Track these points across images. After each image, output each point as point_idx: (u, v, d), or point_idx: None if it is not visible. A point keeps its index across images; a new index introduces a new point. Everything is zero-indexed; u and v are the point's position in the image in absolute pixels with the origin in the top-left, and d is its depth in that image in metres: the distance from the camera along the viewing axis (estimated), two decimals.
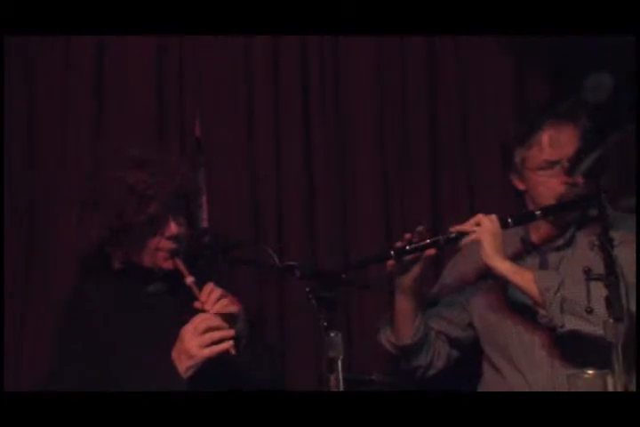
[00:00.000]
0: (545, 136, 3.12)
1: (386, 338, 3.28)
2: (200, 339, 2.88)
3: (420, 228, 3.11)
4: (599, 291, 2.57)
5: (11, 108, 3.70)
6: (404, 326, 3.23)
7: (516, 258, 3.18)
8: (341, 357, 2.70)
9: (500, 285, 3.17)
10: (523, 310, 3.14)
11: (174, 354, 2.90)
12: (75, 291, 3.17)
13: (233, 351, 2.89)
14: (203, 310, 2.95)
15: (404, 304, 3.22)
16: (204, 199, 3.62)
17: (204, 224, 3.62)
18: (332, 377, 2.71)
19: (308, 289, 2.81)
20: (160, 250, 3.04)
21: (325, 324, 2.75)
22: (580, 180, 3.07)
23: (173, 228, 3.02)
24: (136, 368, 2.93)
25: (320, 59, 3.82)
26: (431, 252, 3.13)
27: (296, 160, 3.71)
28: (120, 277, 3.12)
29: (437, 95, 3.84)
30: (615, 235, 2.62)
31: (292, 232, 3.67)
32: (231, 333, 2.89)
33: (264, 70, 3.76)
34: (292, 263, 2.99)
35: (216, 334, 2.88)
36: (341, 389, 2.70)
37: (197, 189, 3.36)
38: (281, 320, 3.65)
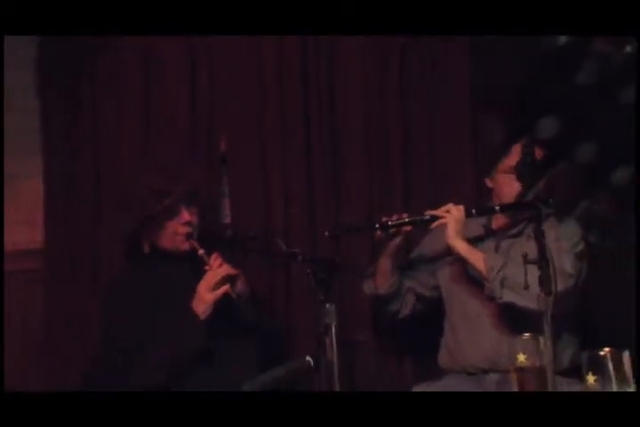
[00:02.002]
0: (515, 149, 3.16)
1: (367, 286, 3.38)
2: (206, 286, 3.05)
3: (404, 215, 3.22)
4: (535, 272, 2.64)
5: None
6: (383, 280, 3.34)
7: (477, 240, 3.28)
8: (335, 323, 2.76)
9: (462, 261, 3.24)
10: (478, 283, 3.19)
11: (193, 303, 3.06)
12: (113, 279, 3.30)
13: (234, 295, 3.07)
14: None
15: (384, 265, 3.32)
16: (227, 201, 3.68)
17: (227, 220, 3.67)
18: (328, 339, 2.77)
19: (308, 271, 2.89)
20: (178, 234, 3.15)
21: (322, 297, 2.82)
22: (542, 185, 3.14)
23: (186, 215, 3.13)
24: (169, 316, 3.06)
25: (321, 71, 3.78)
26: (408, 228, 3.24)
27: (299, 169, 3.73)
28: (149, 259, 3.22)
29: (408, 98, 3.80)
30: (552, 232, 2.71)
31: (295, 227, 3.70)
32: (227, 285, 3.06)
33: (273, 99, 3.76)
34: (295, 251, 3.09)
35: (214, 279, 3.06)
36: (335, 348, 2.74)
37: (209, 187, 3.51)
38: (287, 295, 3.69)
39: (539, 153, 3.06)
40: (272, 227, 3.68)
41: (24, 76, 3.62)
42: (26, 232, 3.63)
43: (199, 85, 3.76)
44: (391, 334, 3.57)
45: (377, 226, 3.22)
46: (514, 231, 3.26)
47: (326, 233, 3.32)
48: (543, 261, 2.61)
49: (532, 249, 2.71)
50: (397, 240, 3.26)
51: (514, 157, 3.14)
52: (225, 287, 3.04)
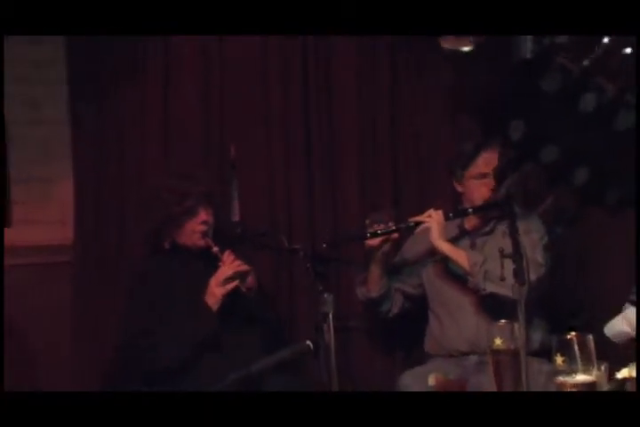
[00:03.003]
0: (482, 157, 3.21)
1: (361, 292, 3.40)
2: (217, 281, 3.07)
3: (390, 223, 3.23)
4: (509, 265, 2.66)
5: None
6: (374, 284, 3.36)
7: (454, 240, 3.32)
8: (332, 311, 2.76)
9: (444, 260, 3.29)
10: (459, 278, 3.25)
11: (205, 297, 3.08)
12: (137, 273, 3.31)
13: (243, 289, 3.08)
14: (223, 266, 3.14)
15: (375, 270, 3.34)
16: (236, 202, 3.69)
17: (237, 219, 3.68)
18: (325, 325, 2.76)
19: (308, 265, 2.93)
20: (195, 232, 3.18)
21: (320, 288, 2.83)
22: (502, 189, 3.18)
23: (203, 215, 3.18)
24: (184, 309, 3.09)
25: (319, 76, 3.74)
26: (396, 235, 3.26)
27: (300, 173, 3.74)
28: (170, 254, 3.25)
29: (398, 119, 3.78)
30: (521, 227, 2.72)
31: (298, 225, 3.71)
32: (237, 279, 3.07)
33: (276, 106, 3.74)
34: (297, 247, 3.10)
35: (224, 275, 3.07)
36: (332, 334, 2.75)
37: (222, 190, 3.48)
38: (290, 286, 3.71)
39: (509, 154, 3.10)
40: (276, 226, 3.69)
41: (56, 89, 3.64)
42: (59, 230, 3.65)
43: (211, 94, 3.75)
44: (384, 329, 3.59)
45: (368, 235, 3.22)
46: (486, 229, 3.33)
47: (324, 245, 3.30)
48: (517, 254, 2.62)
49: (504, 244, 2.73)
50: (386, 247, 3.28)
51: (481, 164, 3.19)
52: (233, 283, 3.08)
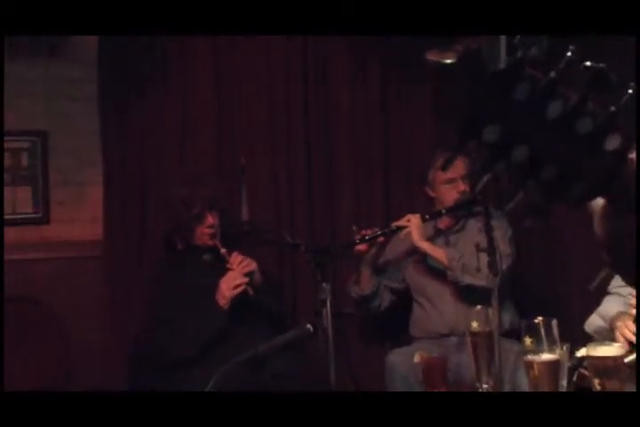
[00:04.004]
0: (457, 163, 3.23)
1: (354, 291, 3.45)
2: (227, 285, 3.05)
3: (375, 229, 3.29)
4: (484, 257, 2.74)
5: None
6: (365, 283, 3.42)
7: (430, 239, 3.39)
8: (330, 298, 2.82)
9: (423, 257, 3.37)
10: (437, 272, 3.33)
11: (216, 296, 3.06)
12: (155, 270, 3.30)
13: (251, 292, 3.06)
14: (231, 269, 3.11)
15: (365, 271, 3.40)
16: (245, 204, 3.71)
17: (245, 218, 3.71)
18: (324, 311, 2.84)
19: (309, 258, 3.00)
20: (204, 234, 3.18)
21: (320, 278, 2.91)
22: (468, 190, 3.25)
23: (210, 220, 3.16)
24: (197, 305, 3.07)
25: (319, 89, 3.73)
26: (382, 239, 3.33)
27: (301, 178, 3.75)
28: (183, 253, 3.27)
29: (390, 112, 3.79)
30: (493, 223, 2.77)
31: (299, 223, 3.72)
32: (246, 280, 3.05)
33: (280, 113, 3.72)
34: (299, 242, 3.17)
35: (235, 283, 3.05)
36: (329, 318, 2.80)
37: (230, 192, 3.51)
38: (293, 277, 3.73)
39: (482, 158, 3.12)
40: (280, 223, 3.68)
41: (89, 104, 3.69)
42: (91, 227, 3.69)
43: (224, 107, 3.71)
44: (374, 317, 3.62)
45: (357, 241, 3.27)
46: (457, 227, 3.40)
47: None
48: (491, 248, 2.68)
49: (476, 239, 2.82)
50: (373, 250, 3.34)
51: (450, 171, 3.24)
52: (242, 288, 3.05)
